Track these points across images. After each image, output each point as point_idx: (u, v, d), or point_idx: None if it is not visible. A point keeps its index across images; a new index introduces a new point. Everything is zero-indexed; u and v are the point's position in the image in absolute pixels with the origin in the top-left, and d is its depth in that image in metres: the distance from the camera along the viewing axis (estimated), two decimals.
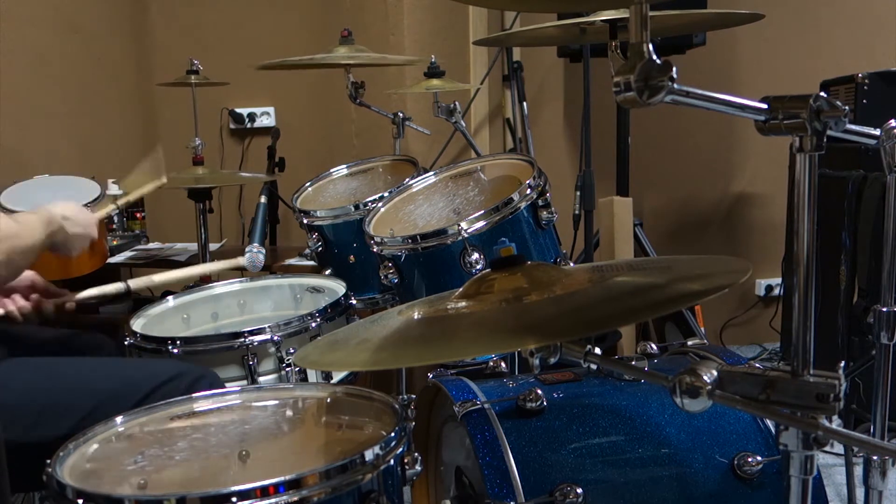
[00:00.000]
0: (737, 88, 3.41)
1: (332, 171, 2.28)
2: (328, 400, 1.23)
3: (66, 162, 2.92)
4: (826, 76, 2.79)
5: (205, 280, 2.38)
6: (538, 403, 1.18)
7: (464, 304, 1.06)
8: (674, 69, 0.78)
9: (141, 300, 3.16)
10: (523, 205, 1.63)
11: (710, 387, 0.82)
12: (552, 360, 0.99)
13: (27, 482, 1.21)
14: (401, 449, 1.02)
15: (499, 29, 3.37)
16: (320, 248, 2.01)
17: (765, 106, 0.82)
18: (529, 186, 1.65)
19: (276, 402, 1.23)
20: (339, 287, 1.83)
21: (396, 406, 1.10)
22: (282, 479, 0.90)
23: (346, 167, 2.29)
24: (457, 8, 3.16)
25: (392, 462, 1.00)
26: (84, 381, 1.34)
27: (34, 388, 1.31)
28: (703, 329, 2.87)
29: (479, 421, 1.15)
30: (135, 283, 1.72)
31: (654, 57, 0.78)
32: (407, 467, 1.05)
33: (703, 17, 2.03)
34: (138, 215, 3.11)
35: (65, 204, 1.58)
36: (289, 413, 1.21)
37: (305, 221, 2.03)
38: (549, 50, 3.24)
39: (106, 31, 3.26)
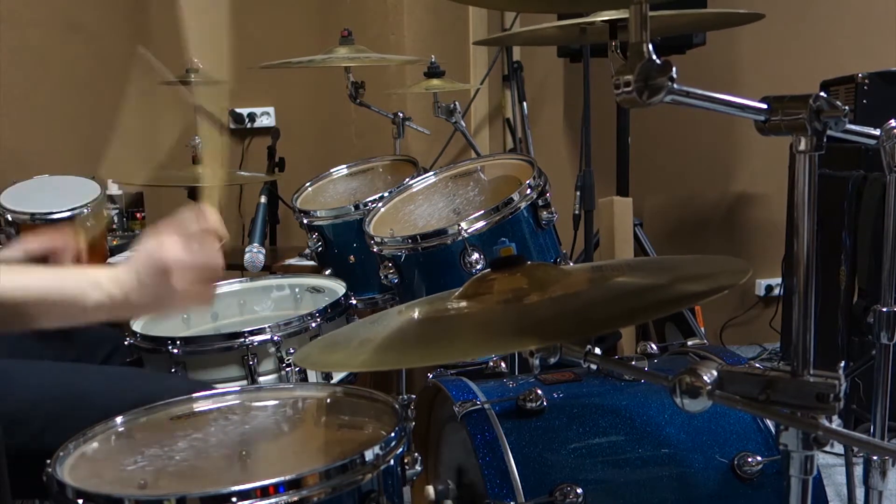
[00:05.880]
0: (737, 88, 3.41)
1: (332, 171, 2.28)
2: (328, 400, 1.23)
3: (66, 162, 2.91)
4: (826, 76, 2.79)
5: None
6: (538, 403, 1.18)
7: (464, 304, 1.06)
8: (674, 69, 0.78)
9: None
10: (523, 205, 1.63)
11: (710, 387, 0.82)
12: (552, 361, 0.99)
13: (29, 489, 1.20)
14: (401, 449, 1.02)
15: (499, 29, 3.37)
16: (320, 248, 2.01)
17: (765, 106, 0.82)
18: (529, 186, 1.64)
19: (276, 402, 1.23)
20: (339, 287, 1.82)
21: (396, 406, 1.10)
22: (282, 479, 0.90)
23: (346, 167, 2.29)
24: (457, 8, 3.16)
25: (392, 462, 1.00)
26: (94, 393, 1.31)
27: (43, 394, 1.28)
28: (703, 329, 2.87)
29: (479, 421, 1.16)
30: None
31: (654, 57, 0.78)
32: (407, 467, 1.05)
33: (703, 17, 2.03)
34: (138, 215, 3.11)
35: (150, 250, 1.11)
36: (289, 413, 1.21)
37: (305, 221, 2.03)
38: (549, 50, 3.24)
39: (106, 31, 3.26)
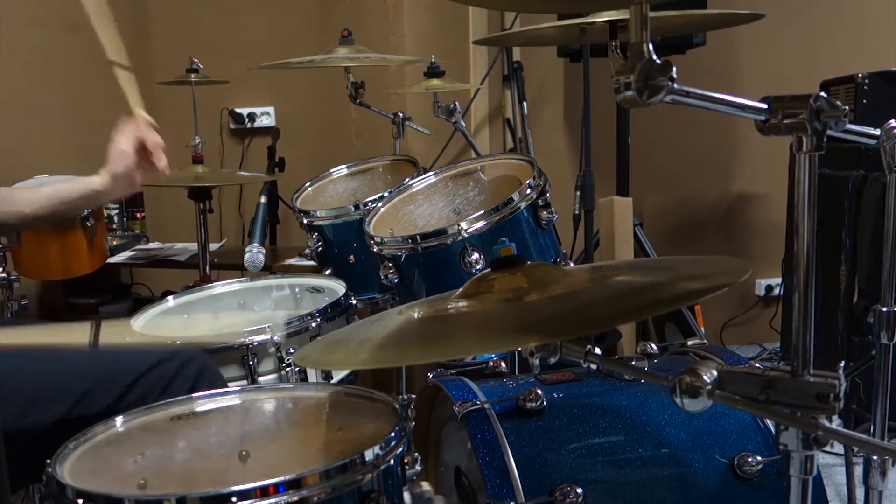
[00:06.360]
0: (737, 88, 3.41)
1: (332, 171, 2.28)
2: (328, 400, 1.23)
3: (66, 162, 2.91)
4: (826, 76, 2.79)
5: (205, 279, 2.38)
6: (538, 403, 1.18)
7: (464, 303, 1.06)
8: (674, 69, 0.78)
9: (141, 300, 3.17)
10: (523, 205, 1.63)
11: (710, 387, 0.82)
12: (552, 360, 0.99)
13: (20, 473, 1.19)
14: (401, 449, 1.02)
15: (499, 29, 3.37)
16: (320, 248, 2.01)
17: (765, 106, 0.82)
18: (529, 186, 1.64)
19: (276, 402, 1.23)
20: (339, 287, 1.82)
21: (396, 406, 1.10)
22: (282, 479, 0.90)
23: (346, 167, 2.29)
24: (457, 8, 3.16)
25: (392, 462, 1.00)
26: (73, 367, 1.31)
27: (21, 375, 1.28)
28: (703, 329, 2.87)
29: (479, 421, 1.16)
30: None
31: (654, 57, 0.78)
32: (407, 467, 1.05)
33: (703, 17, 2.03)
34: (138, 215, 3.11)
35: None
36: (289, 413, 1.21)
37: (305, 221, 2.03)
38: (549, 50, 3.24)
39: None
